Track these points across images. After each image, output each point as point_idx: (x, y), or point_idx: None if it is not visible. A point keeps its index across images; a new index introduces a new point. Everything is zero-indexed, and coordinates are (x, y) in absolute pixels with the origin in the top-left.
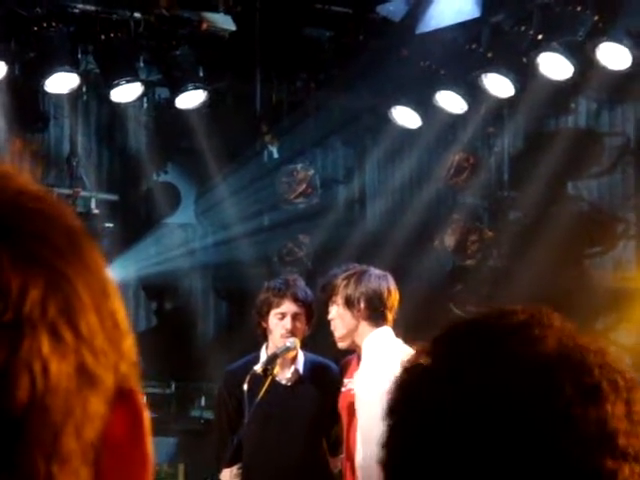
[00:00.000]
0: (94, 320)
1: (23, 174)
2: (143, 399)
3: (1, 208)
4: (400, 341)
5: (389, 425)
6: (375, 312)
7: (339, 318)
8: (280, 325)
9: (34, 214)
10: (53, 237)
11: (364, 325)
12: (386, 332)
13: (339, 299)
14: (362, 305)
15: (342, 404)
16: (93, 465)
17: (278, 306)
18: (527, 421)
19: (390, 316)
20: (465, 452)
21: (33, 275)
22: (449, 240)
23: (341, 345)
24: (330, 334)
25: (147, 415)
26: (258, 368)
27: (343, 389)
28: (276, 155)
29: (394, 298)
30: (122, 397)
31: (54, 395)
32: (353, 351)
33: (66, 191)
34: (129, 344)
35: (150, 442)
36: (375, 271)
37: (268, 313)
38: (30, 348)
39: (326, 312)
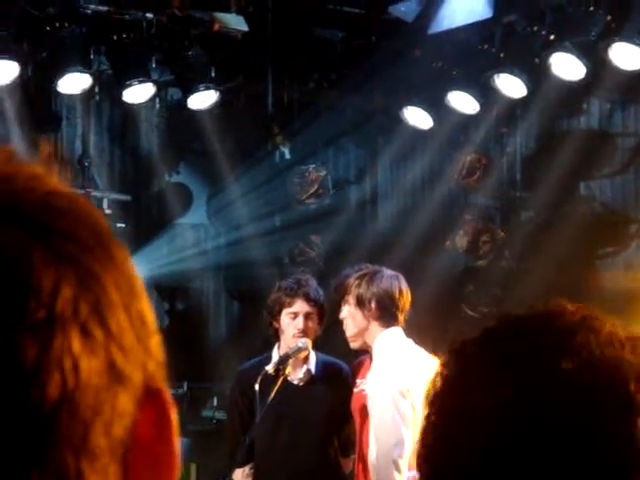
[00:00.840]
0: (123, 318)
1: (52, 175)
2: (170, 398)
3: (32, 208)
4: (411, 341)
5: (426, 415)
6: (386, 313)
7: (350, 317)
8: (292, 325)
9: (64, 214)
10: (83, 236)
11: (375, 325)
12: (396, 333)
13: (351, 298)
14: (373, 305)
15: (355, 405)
16: (122, 463)
17: (290, 306)
18: (551, 433)
19: (401, 317)
20: (491, 459)
21: (65, 274)
22: (461, 241)
23: (353, 345)
24: (343, 335)
25: (175, 414)
26: (270, 368)
27: (356, 390)
28: (288, 156)
29: (406, 299)
30: (150, 396)
31: (84, 392)
32: (366, 352)
33: (78, 191)
34: (156, 343)
35: (177, 441)
36: (387, 272)
37: (280, 313)
38: (61, 346)
39: (339, 312)
